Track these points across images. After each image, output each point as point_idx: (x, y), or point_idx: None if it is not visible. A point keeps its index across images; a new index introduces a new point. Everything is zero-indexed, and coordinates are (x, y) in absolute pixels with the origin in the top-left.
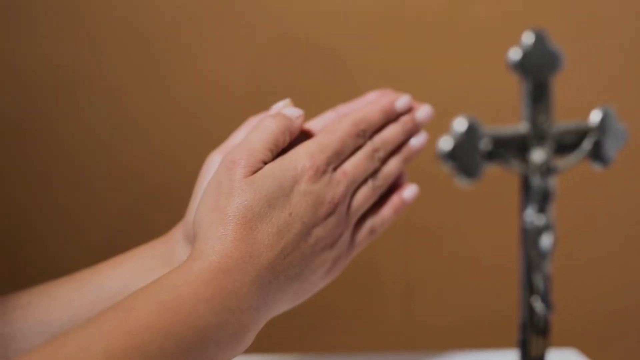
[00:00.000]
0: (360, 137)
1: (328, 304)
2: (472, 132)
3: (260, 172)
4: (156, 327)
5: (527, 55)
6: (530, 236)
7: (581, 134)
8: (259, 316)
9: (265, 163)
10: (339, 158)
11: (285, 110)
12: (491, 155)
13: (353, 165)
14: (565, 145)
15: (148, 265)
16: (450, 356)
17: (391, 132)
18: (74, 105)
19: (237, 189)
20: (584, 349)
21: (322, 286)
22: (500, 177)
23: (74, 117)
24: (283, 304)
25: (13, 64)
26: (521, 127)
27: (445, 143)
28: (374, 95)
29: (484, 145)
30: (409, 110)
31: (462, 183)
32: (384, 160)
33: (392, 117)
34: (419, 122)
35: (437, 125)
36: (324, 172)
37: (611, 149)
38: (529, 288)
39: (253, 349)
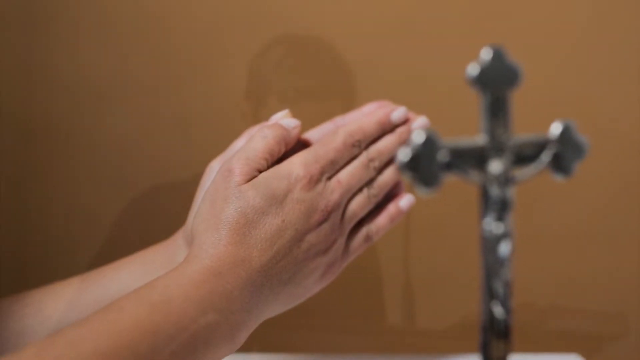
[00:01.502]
0: (355, 147)
1: (327, 305)
2: (429, 144)
3: (254, 180)
4: (146, 327)
5: (485, 70)
6: (489, 244)
7: (540, 146)
8: (250, 318)
9: (260, 172)
10: (333, 167)
11: (282, 121)
12: (449, 166)
13: (348, 174)
14: (525, 156)
15: (150, 268)
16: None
17: (387, 143)
18: (98, 111)
19: (232, 196)
20: (586, 354)
21: (316, 290)
22: None
23: (98, 123)
24: (276, 307)
25: (37, 69)
26: (479, 139)
27: (404, 154)
28: (372, 106)
29: (442, 156)
30: (405, 121)
31: (421, 192)
32: (380, 170)
33: (388, 129)
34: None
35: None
36: (318, 181)
37: (571, 161)
38: (489, 293)
39: (252, 349)
